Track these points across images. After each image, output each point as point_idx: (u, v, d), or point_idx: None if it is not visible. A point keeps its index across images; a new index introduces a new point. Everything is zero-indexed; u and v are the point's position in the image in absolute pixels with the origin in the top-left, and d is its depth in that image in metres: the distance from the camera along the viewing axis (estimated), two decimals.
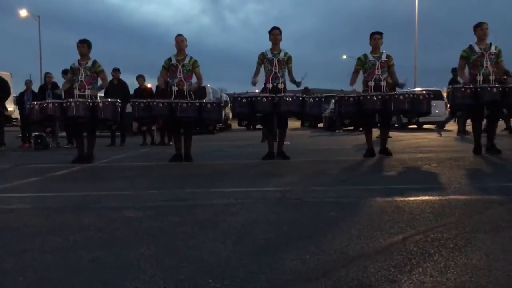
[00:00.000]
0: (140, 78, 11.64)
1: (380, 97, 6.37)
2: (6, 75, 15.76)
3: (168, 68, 6.62)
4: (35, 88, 11.72)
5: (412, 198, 3.53)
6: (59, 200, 3.83)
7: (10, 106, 19.68)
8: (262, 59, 6.58)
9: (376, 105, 6.35)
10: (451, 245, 2.26)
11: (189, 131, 6.83)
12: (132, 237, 2.58)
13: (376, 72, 6.51)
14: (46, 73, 11.48)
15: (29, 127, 11.11)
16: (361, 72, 6.70)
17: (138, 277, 1.93)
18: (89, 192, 4.19)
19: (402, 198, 3.57)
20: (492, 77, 6.36)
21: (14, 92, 15.20)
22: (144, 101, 6.78)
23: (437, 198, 3.53)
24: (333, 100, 11.05)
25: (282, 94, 6.40)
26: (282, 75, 6.60)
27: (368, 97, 6.40)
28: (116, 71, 10.89)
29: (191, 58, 6.66)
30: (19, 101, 11.42)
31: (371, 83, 6.48)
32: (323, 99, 7.52)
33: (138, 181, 4.81)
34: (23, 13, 35.92)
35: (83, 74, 6.75)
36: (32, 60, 53.63)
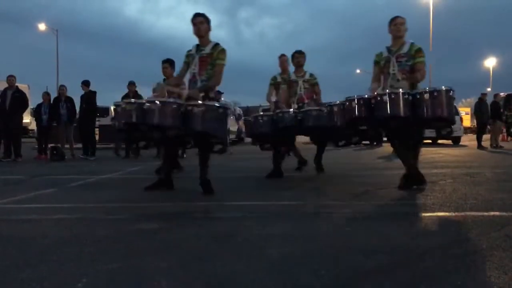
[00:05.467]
0: (131, 85, 10.90)
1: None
2: (24, 87, 16.06)
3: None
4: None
5: (428, 214, 3.50)
6: (75, 211, 3.87)
7: (27, 118, 20.03)
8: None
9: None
10: (469, 262, 2.23)
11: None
12: (146, 249, 2.59)
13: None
14: (60, 86, 11.66)
15: (46, 138, 11.27)
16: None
17: None
18: (104, 203, 4.22)
19: (418, 214, 3.54)
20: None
21: (32, 104, 15.48)
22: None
23: (454, 214, 3.49)
24: None
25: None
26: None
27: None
28: (132, 84, 10.99)
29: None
30: (36, 113, 11.60)
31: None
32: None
33: (152, 193, 4.83)
34: (42, 27, 36.81)
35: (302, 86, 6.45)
36: (49, 72, 54.65)
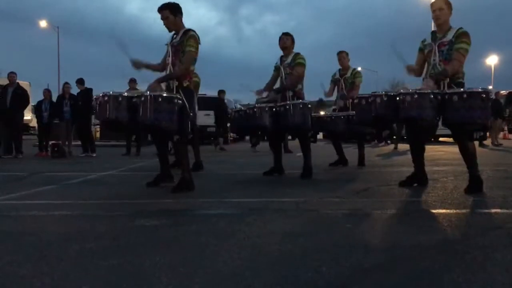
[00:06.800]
0: (132, 83, 10.91)
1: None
2: (25, 84, 16.04)
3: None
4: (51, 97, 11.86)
5: (429, 211, 3.49)
6: (75, 207, 3.87)
7: (28, 115, 20.02)
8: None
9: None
10: (470, 260, 2.22)
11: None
12: (147, 245, 2.59)
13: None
14: (65, 83, 11.67)
15: (47, 135, 11.29)
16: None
17: (153, 285, 1.93)
18: (104, 200, 4.22)
19: (418, 211, 3.53)
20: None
21: (33, 101, 15.47)
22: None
23: (455, 211, 3.48)
24: None
25: None
26: None
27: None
28: (132, 81, 10.98)
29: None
30: (37, 110, 11.61)
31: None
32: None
33: (153, 190, 4.83)
34: (43, 24, 36.78)
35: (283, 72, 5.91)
36: (50, 70, 54.56)
